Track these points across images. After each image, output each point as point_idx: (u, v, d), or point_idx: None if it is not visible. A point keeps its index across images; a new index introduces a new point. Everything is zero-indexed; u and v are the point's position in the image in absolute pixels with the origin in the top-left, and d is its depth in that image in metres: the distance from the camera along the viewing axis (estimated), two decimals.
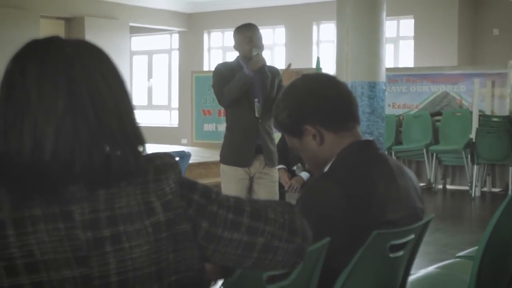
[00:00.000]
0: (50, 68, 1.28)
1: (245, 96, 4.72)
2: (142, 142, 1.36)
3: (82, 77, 1.29)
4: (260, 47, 4.78)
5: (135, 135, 1.35)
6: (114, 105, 1.31)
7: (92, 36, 12.19)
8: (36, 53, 1.30)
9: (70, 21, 13.45)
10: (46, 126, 1.25)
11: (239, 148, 4.80)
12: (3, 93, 1.29)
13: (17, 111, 1.26)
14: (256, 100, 4.76)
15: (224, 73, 4.76)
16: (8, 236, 1.21)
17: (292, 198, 5.28)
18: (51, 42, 1.33)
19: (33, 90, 1.26)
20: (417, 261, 2.30)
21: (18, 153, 1.24)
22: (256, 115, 4.74)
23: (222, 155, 4.91)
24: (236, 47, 4.85)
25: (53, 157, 1.24)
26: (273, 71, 4.90)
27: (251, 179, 4.81)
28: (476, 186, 9.33)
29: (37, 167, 1.24)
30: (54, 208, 1.24)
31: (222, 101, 4.80)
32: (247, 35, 4.78)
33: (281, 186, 6.30)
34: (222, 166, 4.88)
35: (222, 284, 1.71)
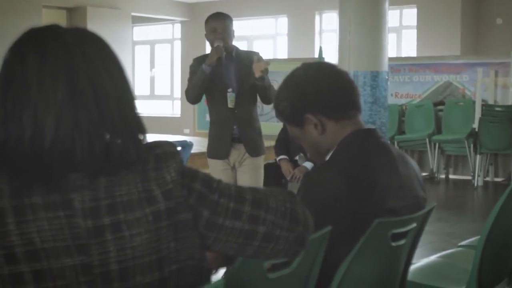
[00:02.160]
0: (50, 57, 1.27)
1: (218, 88, 4.61)
2: (142, 130, 1.36)
3: (82, 66, 1.28)
4: (226, 37, 4.59)
5: (136, 124, 1.34)
6: (115, 94, 1.31)
7: (94, 26, 12.17)
8: (35, 42, 1.30)
9: (72, 11, 13.42)
10: (46, 115, 1.24)
11: (215, 141, 4.72)
12: (2, 82, 1.29)
13: (16, 100, 1.26)
14: (229, 90, 4.61)
15: (196, 68, 4.64)
16: (8, 224, 1.22)
17: (294, 188, 5.27)
18: (50, 31, 1.32)
19: (33, 79, 1.26)
20: (419, 250, 2.30)
21: (18, 141, 1.24)
22: (229, 105, 4.59)
23: (206, 149, 4.84)
24: (206, 37, 4.72)
25: (53, 145, 1.24)
26: (251, 57, 4.67)
27: (234, 169, 4.70)
28: (478, 175, 9.32)
29: (37, 156, 1.24)
30: (55, 196, 1.24)
31: (187, 98, 4.71)
32: (211, 25, 4.63)
33: (282, 177, 6.30)
34: (208, 159, 4.81)
35: (224, 273, 1.71)
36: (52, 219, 1.23)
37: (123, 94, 1.34)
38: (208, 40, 4.67)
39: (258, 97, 4.67)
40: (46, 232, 1.23)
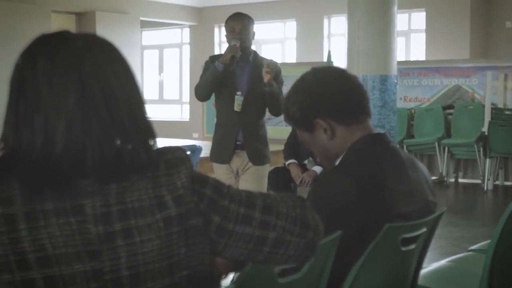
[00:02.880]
0: (60, 62, 1.28)
1: (228, 90, 4.52)
2: (153, 136, 1.36)
3: (92, 71, 1.28)
4: (244, 38, 4.51)
5: (146, 129, 1.35)
6: (125, 99, 1.31)
7: (103, 30, 12.20)
8: (45, 48, 1.30)
9: (81, 16, 13.47)
10: (57, 120, 1.25)
11: (218, 144, 4.63)
12: (13, 88, 1.30)
13: (27, 106, 1.27)
14: (238, 93, 4.51)
15: (209, 65, 4.56)
16: (20, 230, 1.22)
17: (303, 192, 5.23)
18: (60, 37, 1.33)
19: (43, 85, 1.27)
20: (429, 255, 2.30)
21: (29, 147, 1.25)
22: (235, 109, 4.50)
23: (209, 152, 4.76)
24: (226, 38, 4.66)
25: (64, 151, 1.24)
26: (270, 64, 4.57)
27: (238, 176, 4.60)
28: (488, 179, 9.28)
29: (48, 161, 1.24)
30: (66, 202, 1.25)
31: (196, 95, 4.63)
32: (230, 25, 4.57)
33: (291, 181, 6.29)
34: (212, 163, 4.73)
35: (232, 280, 1.71)
36: (64, 225, 1.24)
37: (133, 99, 1.34)
38: (227, 40, 4.60)
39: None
40: (58, 238, 1.23)
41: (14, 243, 1.21)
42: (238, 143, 4.56)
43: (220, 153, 4.62)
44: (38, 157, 1.24)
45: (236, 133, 4.55)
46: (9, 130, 1.28)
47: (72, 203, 1.25)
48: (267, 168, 4.75)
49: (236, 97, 4.52)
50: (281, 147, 6.46)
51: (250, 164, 4.56)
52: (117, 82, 1.31)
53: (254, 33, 4.64)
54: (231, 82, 4.53)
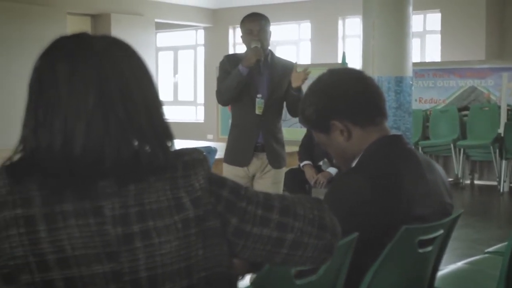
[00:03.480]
0: (79, 64, 1.29)
1: (247, 92, 4.40)
2: (170, 137, 1.36)
3: (111, 73, 1.29)
4: (262, 39, 4.38)
5: (164, 130, 1.35)
6: (143, 100, 1.32)
7: (118, 32, 12.23)
8: (64, 50, 1.31)
9: (96, 18, 13.53)
10: (76, 122, 1.26)
11: (236, 146, 4.51)
12: (33, 90, 1.31)
13: (47, 108, 1.27)
14: (259, 96, 4.41)
15: (227, 67, 4.45)
16: (39, 232, 1.22)
17: (317, 193, 5.22)
18: (79, 39, 1.34)
19: (63, 86, 1.27)
20: (444, 257, 2.29)
21: (49, 148, 1.26)
22: (256, 112, 4.39)
23: (224, 154, 4.64)
24: (242, 39, 4.52)
25: (83, 152, 1.25)
26: (288, 66, 4.50)
27: (253, 179, 4.50)
28: (504, 181, 9.23)
29: (67, 163, 1.25)
30: (85, 204, 1.25)
31: (219, 100, 4.50)
32: (247, 27, 4.43)
33: (306, 182, 6.29)
34: (223, 164, 4.59)
35: (250, 281, 1.71)
36: (83, 227, 1.24)
37: (150, 100, 1.34)
38: (244, 41, 4.47)
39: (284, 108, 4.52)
40: (77, 239, 1.23)
41: (33, 244, 1.22)
42: (257, 144, 4.47)
43: (238, 155, 4.52)
44: (57, 158, 1.25)
45: (256, 135, 4.46)
46: (28, 132, 1.29)
47: (91, 205, 1.25)
48: (283, 172, 4.67)
49: (257, 100, 4.42)
50: (296, 148, 6.46)
51: (269, 167, 4.48)
52: (135, 84, 1.32)
53: (270, 33, 4.53)
54: (252, 84, 4.43)
